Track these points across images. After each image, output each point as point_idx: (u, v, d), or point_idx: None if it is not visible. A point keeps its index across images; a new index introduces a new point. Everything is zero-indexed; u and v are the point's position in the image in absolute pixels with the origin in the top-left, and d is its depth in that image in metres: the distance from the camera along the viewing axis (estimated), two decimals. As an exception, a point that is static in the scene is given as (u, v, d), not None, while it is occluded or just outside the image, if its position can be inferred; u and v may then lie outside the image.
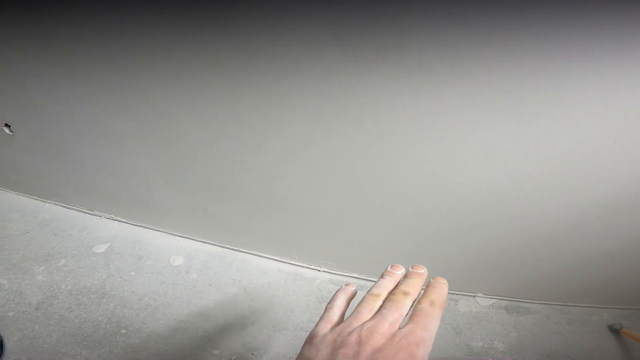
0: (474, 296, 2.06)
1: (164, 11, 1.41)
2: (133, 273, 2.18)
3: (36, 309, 1.94)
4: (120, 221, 2.54)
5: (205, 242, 2.36)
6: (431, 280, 0.60)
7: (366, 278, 2.12)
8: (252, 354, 1.80)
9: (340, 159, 1.65)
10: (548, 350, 1.88)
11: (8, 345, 1.72)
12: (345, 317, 0.57)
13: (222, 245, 2.33)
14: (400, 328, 0.49)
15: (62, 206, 2.67)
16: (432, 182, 1.62)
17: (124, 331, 1.86)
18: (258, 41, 1.38)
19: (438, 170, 1.57)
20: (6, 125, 2.30)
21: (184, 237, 2.41)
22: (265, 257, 2.26)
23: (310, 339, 0.53)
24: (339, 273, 2.15)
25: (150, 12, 1.42)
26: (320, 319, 0.57)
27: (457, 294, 2.08)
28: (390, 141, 1.53)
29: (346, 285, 0.66)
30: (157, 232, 2.46)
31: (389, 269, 0.64)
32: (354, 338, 0.48)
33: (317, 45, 1.33)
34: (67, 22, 1.59)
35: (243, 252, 2.29)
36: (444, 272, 1.94)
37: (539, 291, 2.01)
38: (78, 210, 2.63)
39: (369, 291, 0.59)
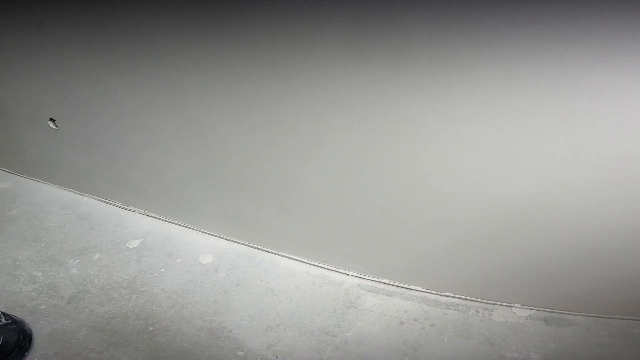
0: (510, 306, 1.92)
1: (201, 15, 1.48)
2: (163, 270, 2.15)
3: (68, 302, 1.93)
4: (153, 217, 2.52)
5: (234, 242, 2.31)
6: None
7: (396, 284, 2.01)
8: (276, 357, 1.73)
9: (375, 162, 1.62)
10: (588, 362, 1.75)
11: (37, 340, 1.72)
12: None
13: (251, 245, 2.27)
14: None
15: (99, 200, 2.68)
16: (471, 188, 1.56)
17: (151, 328, 1.82)
18: (293, 43, 1.41)
19: (477, 175, 1.51)
20: (51, 119, 2.33)
21: (214, 235, 2.36)
22: (294, 259, 2.18)
23: None
24: (368, 278, 2.05)
25: (189, 15, 1.51)
26: None
27: (493, 304, 1.93)
28: (429, 145, 1.49)
29: None
30: (188, 229, 2.42)
31: None
32: None
33: (357, 48, 1.33)
34: (114, 22, 1.69)
35: (271, 252, 2.22)
36: (478, 281, 1.87)
37: (581, 303, 1.86)
38: (114, 205, 2.63)
39: None
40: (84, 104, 2.14)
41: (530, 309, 1.89)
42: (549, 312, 1.90)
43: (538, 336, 1.81)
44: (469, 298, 1.94)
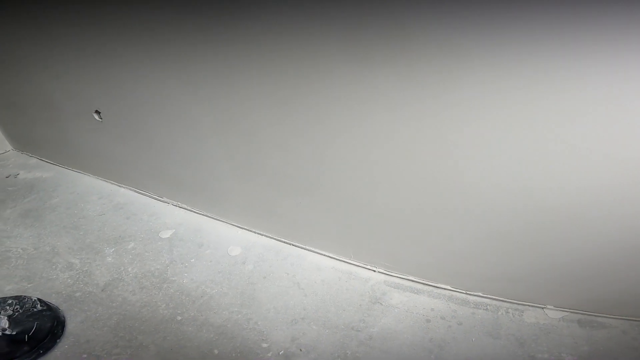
0: (542, 307, 1.83)
1: (241, 12, 1.50)
2: (193, 260, 2.16)
3: (102, 290, 1.97)
4: (185, 209, 2.54)
5: (262, 235, 2.30)
6: None
7: (423, 282, 1.95)
8: (300, 350, 1.70)
9: (407, 156, 1.57)
10: (623, 365, 1.65)
11: (69, 326, 1.76)
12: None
13: (278, 238, 2.26)
14: None
15: (135, 191, 2.73)
16: (507, 183, 1.50)
17: (179, 318, 1.83)
18: (332, 38, 1.39)
19: (514, 171, 1.45)
20: (96, 112, 2.37)
21: (243, 228, 2.36)
22: (321, 254, 2.15)
23: None
24: (395, 275, 1.99)
25: (230, 12, 1.52)
26: None
27: (524, 304, 1.85)
28: (463, 139, 1.44)
29: None
30: (218, 221, 2.43)
31: None
32: None
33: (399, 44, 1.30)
34: (160, 19, 1.72)
35: (299, 247, 2.20)
36: (510, 281, 1.80)
37: (617, 306, 1.77)
38: (149, 196, 2.67)
39: None
40: (127, 97, 2.18)
41: (564, 310, 1.81)
42: (583, 314, 1.81)
43: (571, 338, 1.72)
44: (499, 298, 1.86)
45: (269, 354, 1.68)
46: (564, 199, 1.44)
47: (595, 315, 1.80)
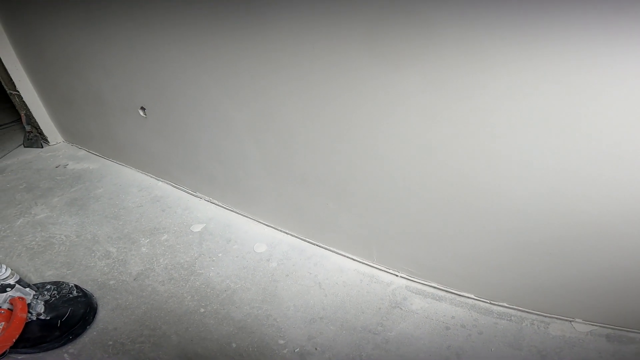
0: (570, 321, 1.71)
1: (280, 15, 1.49)
2: (221, 254, 2.18)
3: (134, 279, 2.02)
4: (216, 204, 2.57)
5: (288, 234, 2.28)
6: None
7: (446, 289, 1.87)
8: (316, 349, 1.67)
9: (438, 162, 1.51)
10: (649, 381, 1.52)
11: (101, 313, 1.81)
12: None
13: (304, 238, 2.24)
14: None
15: (171, 185, 2.78)
16: (536, 192, 1.40)
17: (202, 310, 1.85)
18: (370, 41, 1.35)
19: (544, 179, 1.36)
20: (142, 108, 2.43)
21: (270, 226, 2.35)
22: (344, 256, 2.11)
23: None
24: (417, 280, 1.92)
25: (269, 15, 1.52)
26: None
27: (550, 317, 1.74)
28: (500, 144, 1.35)
29: None
30: (247, 218, 2.44)
31: None
32: None
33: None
34: (203, 22, 1.75)
35: (323, 247, 2.17)
36: (537, 292, 1.70)
37: None
38: (184, 191, 2.72)
39: None
40: (169, 96, 2.22)
41: (593, 324, 1.69)
42: (613, 329, 1.69)
43: (596, 352, 1.61)
44: (524, 310, 1.76)
45: (285, 351, 1.67)
46: (595, 207, 1.34)
47: (626, 331, 1.67)
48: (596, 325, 1.69)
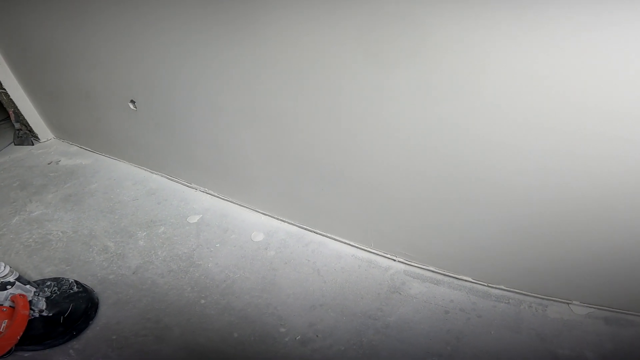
0: (568, 303, 1.78)
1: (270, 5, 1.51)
2: (218, 245, 2.24)
3: (134, 273, 2.08)
4: (212, 195, 2.62)
5: (285, 221, 2.34)
6: None
7: (444, 273, 1.94)
8: (317, 336, 1.74)
9: (432, 145, 1.55)
10: (649, 364, 1.59)
11: (102, 308, 1.87)
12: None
13: (301, 225, 2.30)
14: None
15: (166, 177, 2.83)
16: (533, 174, 1.44)
17: (203, 301, 1.91)
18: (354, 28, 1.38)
19: (540, 160, 1.40)
20: (131, 101, 2.46)
21: (267, 214, 2.41)
22: (342, 242, 2.17)
23: None
24: (415, 265, 1.99)
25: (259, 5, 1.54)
26: None
27: (548, 299, 1.81)
28: (493, 126, 1.39)
29: None
30: (243, 207, 2.50)
31: None
32: None
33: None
34: (190, 11, 1.76)
35: (320, 234, 2.23)
36: (535, 275, 1.76)
37: None
38: (179, 183, 2.78)
39: None
40: (159, 87, 2.25)
41: (590, 307, 1.76)
42: (611, 311, 1.75)
43: (595, 335, 1.68)
44: (522, 292, 1.83)
45: (286, 339, 1.73)
46: (593, 189, 1.39)
47: (624, 313, 1.74)
48: (594, 308, 1.76)
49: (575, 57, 1.13)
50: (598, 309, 1.75)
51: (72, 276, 2.02)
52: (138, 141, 2.77)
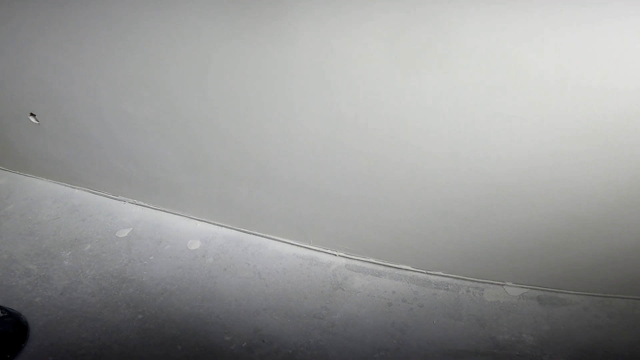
0: (502, 285, 2.05)
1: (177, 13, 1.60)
2: (152, 257, 2.41)
3: (61, 294, 2.21)
4: (142, 205, 2.77)
5: (222, 226, 2.53)
6: None
7: (384, 263, 2.19)
8: (263, 341, 1.93)
9: (358, 138, 1.71)
10: (584, 345, 1.83)
11: (33, 331, 2.00)
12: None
13: (238, 229, 2.48)
14: None
15: (90, 192, 2.95)
16: (458, 159, 1.63)
17: (140, 316, 2.08)
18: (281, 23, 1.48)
19: (462, 146, 1.59)
20: (31, 114, 2.55)
21: (202, 220, 2.59)
22: (282, 241, 2.38)
23: None
24: (356, 258, 2.24)
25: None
26: None
27: (484, 282, 2.07)
28: (411, 114, 1.55)
29: None
30: (177, 216, 2.66)
31: None
32: None
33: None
34: (87, 12, 1.79)
35: (259, 235, 2.43)
36: (469, 259, 1.98)
37: (578, 281, 1.95)
38: (104, 196, 2.90)
39: None
40: (62, 97, 2.30)
41: (523, 287, 2.02)
42: (543, 290, 2.01)
43: (531, 317, 1.93)
44: (459, 277, 2.08)
45: (232, 347, 1.92)
46: (518, 172, 1.58)
47: (556, 292, 1.99)
48: (526, 288, 2.01)
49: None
50: (531, 288, 2.01)
51: (-6, 302, 2.14)
52: (51, 156, 2.84)
